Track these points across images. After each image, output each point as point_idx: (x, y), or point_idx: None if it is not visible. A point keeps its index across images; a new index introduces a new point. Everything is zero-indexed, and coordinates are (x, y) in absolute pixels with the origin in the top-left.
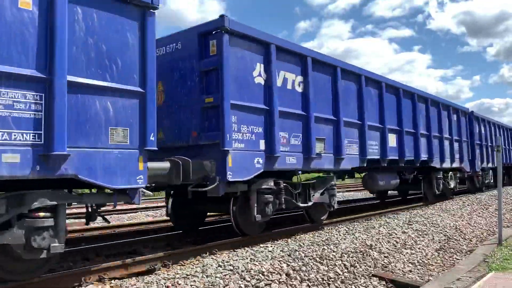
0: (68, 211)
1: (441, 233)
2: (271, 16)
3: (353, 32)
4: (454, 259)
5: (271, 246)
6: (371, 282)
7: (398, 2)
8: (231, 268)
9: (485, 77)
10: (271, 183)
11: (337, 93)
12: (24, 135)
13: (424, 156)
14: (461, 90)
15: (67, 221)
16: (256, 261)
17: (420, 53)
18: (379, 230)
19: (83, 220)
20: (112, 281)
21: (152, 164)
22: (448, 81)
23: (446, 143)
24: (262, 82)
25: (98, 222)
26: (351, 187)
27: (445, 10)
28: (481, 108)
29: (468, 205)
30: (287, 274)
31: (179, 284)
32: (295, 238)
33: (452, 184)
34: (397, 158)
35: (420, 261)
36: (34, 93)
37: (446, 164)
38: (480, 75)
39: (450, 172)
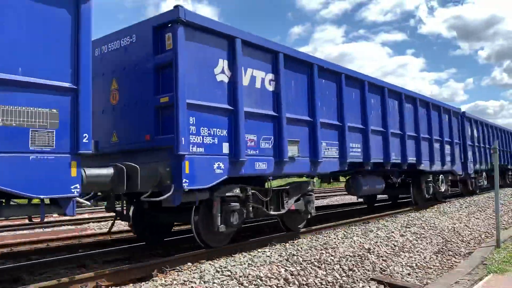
0: (62, 218)
1: (439, 235)
2: (264, 21)
3: (346, 36)
4: (453, 262)
5: (269, 251)
6: (369, 286)
7: (389, 7)
8: (229, 273)
9: (478, 79)
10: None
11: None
12: None
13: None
14: (456, 93)
15: (62, 228)
16: (254, 266)
17: (414, 57)
18: (377, 234)
19: (80, 227)
20: None
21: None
22: (442, 84)
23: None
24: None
25: (95, 228)
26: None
27: (435, 15)
28: (476, 110)
29: (465, 207)
30: (285, 279)
31: None
32: (293, 242)
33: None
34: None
35: (419, 264)
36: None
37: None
38: (473, 77)
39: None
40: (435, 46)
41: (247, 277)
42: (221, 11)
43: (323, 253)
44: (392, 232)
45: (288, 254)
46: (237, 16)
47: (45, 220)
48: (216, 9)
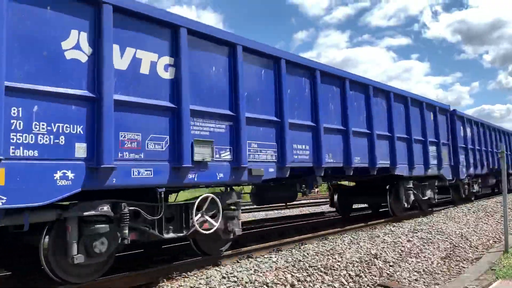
0: None
1: (447, 240)
2: (268, 27)
3: (350, 41)
4: (460, 267)
5: (275, 257)
6: None
7: (393, 12)
8: (235, 279)
9: (483, 83)
10: None
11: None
12: None
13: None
14: (461, 97)
15: None
16: (260, 272)
17: (418, 61)
18: (384, 239)
19: None
20: None
21: None
22: (448, 88)
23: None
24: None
25: None
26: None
27: (439, 19)
28: (482, 113)
29: (473, 212)
30: (292, 285)
31: None
32: (300, 248)
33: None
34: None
35: (426, 269)
36: None
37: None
38: (478, 81)
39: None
40: (440, 50)
41: (253, 283)
42: (225, 17)
43: (329, 258)
44: (399, 237)
45: (294, 259)
46: (241, 22)
47: None
48: (220, 16)
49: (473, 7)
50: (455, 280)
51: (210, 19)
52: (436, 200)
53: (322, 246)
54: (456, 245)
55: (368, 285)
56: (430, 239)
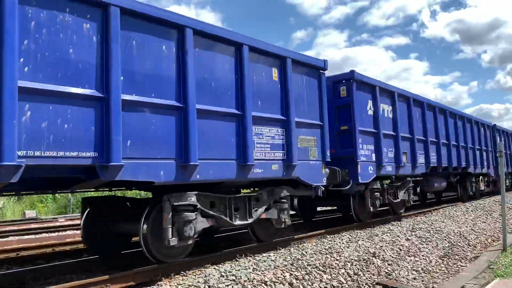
0: (68, 223)
1: (445, 239)
2: (267, 26)
3: (349, 41)
4: (459, 266)
5: (274, 255)
6: None
7: (392, 12)
8: (234, 278)
9: (482, 83)
10: None
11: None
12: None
13: None
14: (460, 96)
15: (68, 232)
16: (259, 271)
17: (417, 61)
18: (382, 238)
19: None
20: None
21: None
22: (446, 88)
23: None
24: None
25: None
26: None
27: (437, 19)
28: (480, 113)
29: (471, 211)
30: (290, 284)
31: None
32: (298, 246)
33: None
34: None
35: (424, 268)
36: None
37: None
38: (477, 81)
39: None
40: (438, 50)
41: (252, 281)
42: (225, 17)
43: (328, 257)
44: (398, 236)
45: (293, 258)
46: (240, 22)
47: (51, 225)
48: (219, 15)
49: (472, 6)
50: (454, 279)
51: (209, 18)
52: (286, 223)
53: (320, 244)
54: (455, 243)
55: (366, 284)
56: (429, 237)
